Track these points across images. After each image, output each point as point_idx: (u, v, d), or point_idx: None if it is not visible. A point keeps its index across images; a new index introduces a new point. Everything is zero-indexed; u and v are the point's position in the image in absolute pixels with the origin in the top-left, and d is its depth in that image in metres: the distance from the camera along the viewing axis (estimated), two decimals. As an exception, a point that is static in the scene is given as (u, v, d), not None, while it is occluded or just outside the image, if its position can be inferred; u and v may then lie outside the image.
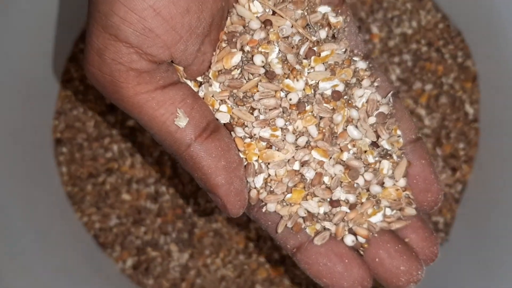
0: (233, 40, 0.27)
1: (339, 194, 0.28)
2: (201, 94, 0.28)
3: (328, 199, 0.29)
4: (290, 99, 0.27)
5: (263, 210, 0.29)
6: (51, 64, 0.47)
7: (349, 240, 0.29)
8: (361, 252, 0.29)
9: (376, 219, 0.29)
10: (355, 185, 0.28)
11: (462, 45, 0.48)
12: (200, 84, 0.28)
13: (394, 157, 0.29)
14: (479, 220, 0.46)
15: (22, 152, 0.44)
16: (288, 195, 0.28)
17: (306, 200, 0.28)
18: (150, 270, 0.47)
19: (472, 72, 0.48)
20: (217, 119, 0.28)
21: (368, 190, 0.29)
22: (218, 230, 0.48)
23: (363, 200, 0.29)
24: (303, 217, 0.29)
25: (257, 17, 0.28)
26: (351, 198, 0.29)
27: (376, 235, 0.29)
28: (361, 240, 0.29)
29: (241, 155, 0.28)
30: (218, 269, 0.47)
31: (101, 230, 0.48)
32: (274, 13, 0.28)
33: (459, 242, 0.47)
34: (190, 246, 0.47)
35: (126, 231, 0.48)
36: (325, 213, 0.29)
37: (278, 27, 0.27)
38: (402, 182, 0.29)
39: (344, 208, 0.29)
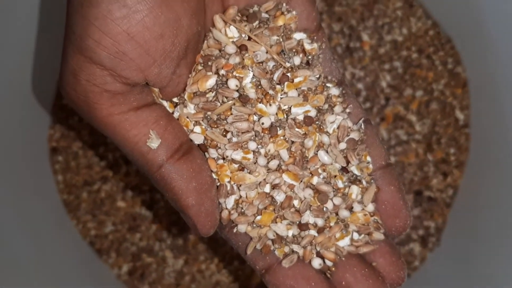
0: (209, 63, 0.28)
1: (308, 217, 0.29)
2: (176, 115, 0.28)
3: (297, 222, 0.29)
4: (263, 123, 0.28)
5: (234, 230, 0.29)
6: (46, 74, 0.47)
7: (317, 263, 0.29)
8: (328, 276, 0.29)
9: (344, 243, 0.29)
10: (324, 209, 0.29)
11: (452, 52, 0.49)
12: (176, 105, 0.28)
13: (363, 182, 0.29)
14: (470, 224, 0.47)
15: (18, 160, 0.45)
16: (258, 217, 0.29)
17: (276, 223, 0.29)
18: (145, 276, 0.48)
19: (462, 78, 0.49)
20: (191, 140, 0.28)
21: (336, 214, 0.29)
22: (212, 236, 0.48)
23: (332, 224, 0.29)
24: (272, 239, 0.29)
25: (233, 42, 0.28)
26: (320, 222, 0.29)
27: (343, 258, 0.29)
28: (329, 263, 0.29)
29: (214, 176, 0.29)
30: (213, 275, 0.48)
31: (96, 237, 0.48)
32: (250, 38, 0.28)
33: (450, 247, 0.48)
34: (185, 252, 0.48)
35: (122, 237, 0.48)
36: (293, 236, 0.29)
37: (253, 52, 0.28)
38: (370, 207, 0.29)
39: (313, 232, 0.29)
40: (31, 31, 0.44)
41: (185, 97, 0.28)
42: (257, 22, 0.28)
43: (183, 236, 0.48)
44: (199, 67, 0.28)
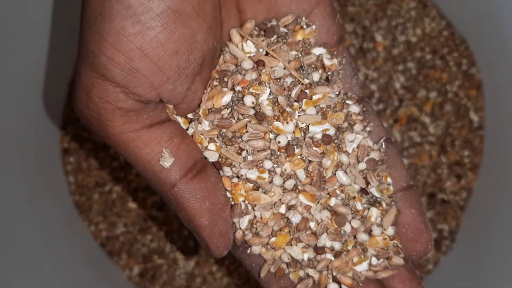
0: (225, 79, 0.27)
1: (325, 241, 0.28)
2: (190, 131, 0.28)
3: (313, 245, 0.28)
4: (279, 142, 0.27)
5: (248, 251, 0.29)
6: (58, 75, 0.47)
7: None
8: None
9: (362, 267, 0.28)
10: (342, 232, 0.28)
11: (467, 53, 0.48)
12: (190, 121, 0.28)
13: (384, 204, 0.28)
14: (484, 227, 0.46)
15: (30, 162, 0.45)
16: (273, 239, 0.28)
17: (291, 245, 0.28)
18: (156, 277, 0.48)
19: (476, 79, 0.48)
20: (205, 158, 0.28)
21: (354, 237, 0.28)
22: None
23: (349, 247, 0.28)
24: (286, 263, 0.28)
25: (249, 57, 0.27)
26: (337, 246, 0.28)
27: (361, 284, 0.28)
28: None
29: (228, 195, 0.28)
30: (223, 277, 0.48)
31: (108, 238, 0.48)
32: (267, 53, 0.27)
33: (464, 249, 0.47)
34: (195, 254, 0.48)
35: (133, 239, 0.48)
36: (309, 260, 0.28)
37: (271, 68, 0.27)
38: (390, 231, 0.28)
39: (329, 256, 0.28)
40: (44, 34, 0.44)
41: (200, 113, 0.27)
42: (275, 36, 0.28)
43: (194, 237, 0.48)
44: (215, 83, 0.27)
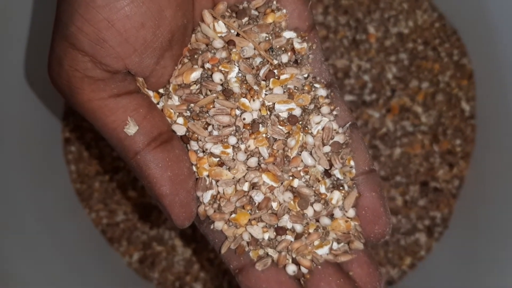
0: (195, 56, 0.28)
1: (286, 222, 0.28)
2: (160, 105, 0.28)
3: (274, 226, 0.28)
4: (244, 119, 0.27)
5: (211, 227, 0.29)
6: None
7: (291, 269, 0.28)
8: (302, 283, 0.29)
9: (323, 251, 0.28)
10: (304, 215, 0.28)
11: (458, 44, 0.49)
12: (161, 96, 0.28)
13: (345, 187, 0.29)
14: (476, 215, 0.47)
15: (33, 151, 0.46)
16: (233, 215, 0.28)
17: (251, 224, 0.28)
18: (155, 264, 0.49)
19: (468, 70, 0.49)
20: (173, 131, 0.28)
21: (316, 220, 0.28)
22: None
23: (311, 230, 0.28)
24: (247, 241, 0.28)
25: (220, 37, 0.28)
26: (298, 228, 0.28)
27: (319, 267, 0.28)
28: (304, 270, 0.28)
29: (194, 169, 0.28)
30: (221, 263, 0.49)
31: (108, 225, 0.49)
32: (238, 34, 0.28)
33: (457, 236, 0.48)
34: (194, 241, 0.49)
35: (133, 226, 0.49)
36: (269, 239, 0.28)
37: (241, 48, 0.27)
38: (351, 213, 0.29)
39: (289, 237, 0.28)
40: (47, 25, 0.45)
41: (170, 88, 0.28)
42: (246, 18, 0.28)
43: (192, 225, 0.49)
44: (185, 60, 0.28)
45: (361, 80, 0.49)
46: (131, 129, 0.27)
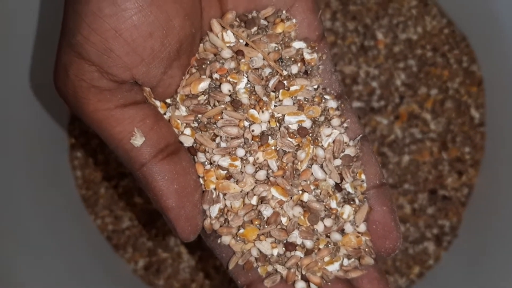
0: (203, 66, 0.27)
1: (295, 238, 0.27)
2: (167, 116, 0.28)
3: (284, 241, 0.28)
4: (253, 130, 0.27)
5: (218, 241, 0.28)
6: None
7: (300, 286, 0.28)
8: None
9: (333, 268, 0.28)
10: (314, 230, 0.27)
11: (467, 50, 0.49)
12: (168, 106, 0.28)
13: (356, 201, 0.28)
14: (485, 223, 0.46)
15: (38, 157, 0.46)
16: (241, 230, 0.27)
17: (260, 240, 0.27)
18: (161, 271, 0.49)
19: (477, 76, 0.49)
20: (180, 142, 0.28)
21: (327, 236, 0.28)
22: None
23: (321, 246, 0.28)
24: (255, 257, 0.28)
25: (229, 46, 0.27)
26: (308, 244, 0.27)
27: (329, 283, 0.28)
28: (313, 287, 0.28)
29: (202, 181, 0.28)
30: (226, 271, 0.48)
31: (113, 232, 0.49)
32: (247, 44, 0.27)
33: (466, 245, 0.47)
34: (199, 248, 0.49)
35: (138, 233, 0.49)
36: (278, 255, 0.28)
37: (250, 58, 0.27)
38: (362, 227, 0.28)
39: (299, 253, 0.28)
40: (55, 29, 0.45)
41: (177, 99, 0.28)
42: (255, 28, 0.28)
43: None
44: (193, 70, 0.28)
45: (369, 86, 0.49)
46: (138, 140, 0.26)
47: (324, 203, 0.28)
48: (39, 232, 0.44)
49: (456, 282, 0.46)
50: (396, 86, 0.49)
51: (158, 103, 0.28)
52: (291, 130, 0.27)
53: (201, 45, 0.28)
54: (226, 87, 0.27)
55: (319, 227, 0.27)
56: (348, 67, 0.49)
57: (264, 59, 0.27)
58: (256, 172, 0.27)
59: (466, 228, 0.48)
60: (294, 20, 0.29)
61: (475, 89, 0.48)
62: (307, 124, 0.27)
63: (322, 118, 0.28)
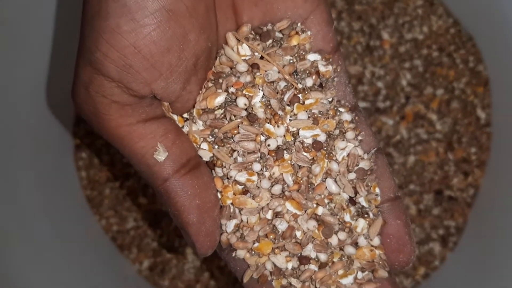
0: (219, 80, 0.27)
1: (310, 251, 0.28)
2: (185, 130, 0.28)
3: (298, 255, 0.28)
4: (269, 145, 0.27)
5: (233, 255, 0.28)
6: (72, 73, 0.48)
7: None
8: None
9: (347, 281, 0.28)
10: (328, 243, 0.28)
11: (474, 50, 0.49)
12: (186, 120, 0.28)
13: (370, 215, 0.28)
14: (491, 224, 0.46)
15: (43, 157, 0.46)
16: (256, 244, 0.28)
17: (275, 253, 0.28)
18: (165, 271, 0.49)
19: (483, 76, 0.48)
20: (200, 157, 0.28)
21: (341, 249, 0.28)
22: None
23: (335, 260, 0.28)
24: (270, 271, 0.28)
25: (244, 60, 0.27)
26: (322, 257, 0.28)
27: None
28: None
29: (219, 196, 0.28)
30: (231, 272, 0.48)
31: (118, 232, 0.49)
32: (262, 57, 0.27)
33: (471, 246, 0.47)
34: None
35: (143, 233, 0.49)
36: (293, 269, 0.28)
37: (265, 71, 0.27)
38: (376, 241, 0.28)
39: (313, 267, 0.28)
40: (63, 35, 0.45)
41: (194, 113, 0.28)
42: (270, 41, 0.28)
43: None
44: (210, 84, 0.28)
45: (375, 86, 0.49)
46: (161, 155, 0.26)
47: (338, 217, 0.27)
48: (44, 232, 0.44)
49: (461, 283, 0.46)
50: (402, 86, 0.49)
51: (175, 117, 0.28)
52: (305, 145, 0.27)
53: (217, 58, 0.28)
54: (242, 101, 0.27)
55: (333, 240, 0.28)
56: (353, 67, 0.49)
57: (279, 72, 0.27)
58: (272, 186, 0.27)
59: (472, 229, 0.48)
60: (309, 33, 0.28)
61: (481, 89, 0.48)
62: (322, 138, 0.27)
63: (337, 131, 0.28)
